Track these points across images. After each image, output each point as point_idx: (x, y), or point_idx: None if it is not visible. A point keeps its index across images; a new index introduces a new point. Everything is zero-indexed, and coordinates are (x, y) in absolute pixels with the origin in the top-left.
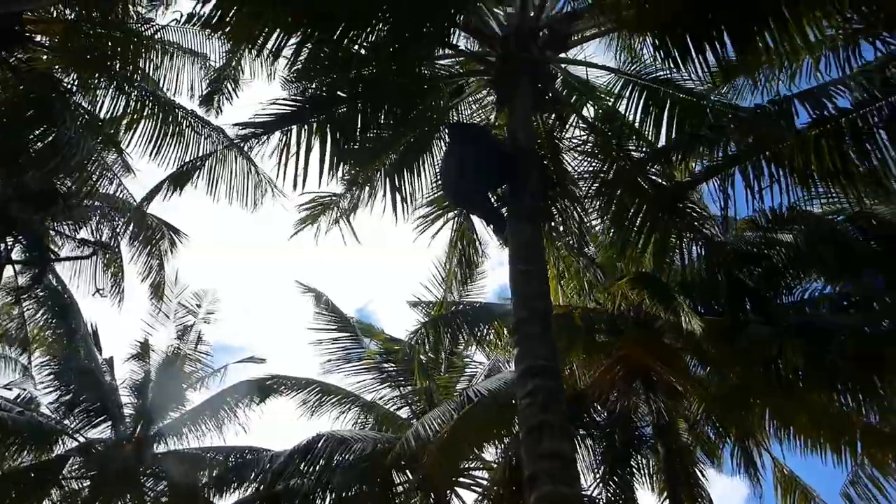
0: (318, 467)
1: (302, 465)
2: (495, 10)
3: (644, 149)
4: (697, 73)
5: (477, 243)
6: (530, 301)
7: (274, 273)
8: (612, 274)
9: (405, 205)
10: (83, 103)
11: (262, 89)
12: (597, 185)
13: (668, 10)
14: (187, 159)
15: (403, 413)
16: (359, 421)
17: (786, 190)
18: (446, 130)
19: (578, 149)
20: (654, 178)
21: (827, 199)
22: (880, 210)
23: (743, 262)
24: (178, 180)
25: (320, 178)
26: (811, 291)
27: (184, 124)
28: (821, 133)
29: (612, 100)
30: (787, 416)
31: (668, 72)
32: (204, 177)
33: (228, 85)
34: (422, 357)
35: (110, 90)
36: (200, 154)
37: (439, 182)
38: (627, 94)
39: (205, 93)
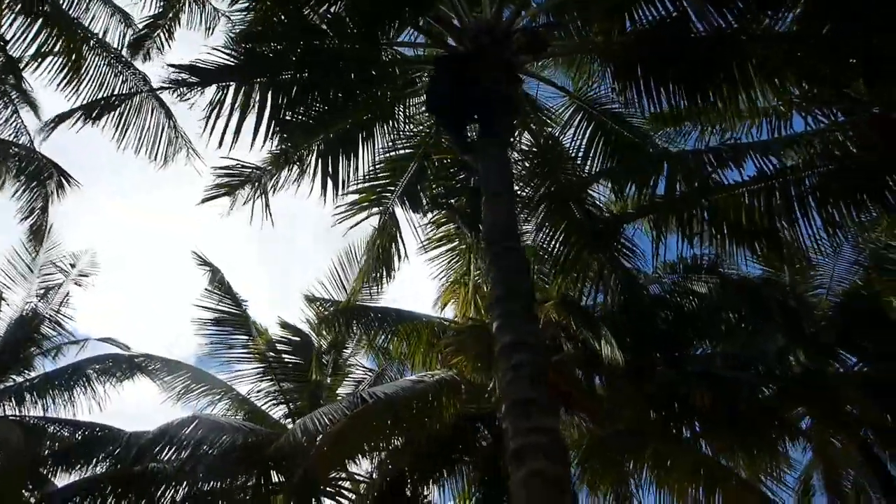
0: (186, 452)
1: (167, 448)
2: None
3: (581, 174)
4: (651, 109)
5: (400, 242)
6: (513, 276)
7: (164, 240)
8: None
9: (336, 190)
10: None
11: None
12: (532, 203)
13: (631, 48)
14: (99, 97)
15: (278, 413)
16: (227, 414)
17: (712, 241)
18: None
19: (522, 163)
20: (588, 207)
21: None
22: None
23: (658, 306)
24: (93, 110)
25: (252, 144)
26: (711, 347)
27: (101, 61)
28: (757, 190)
29: (559, 126)
30: (670, 462)
31: (620, 106)
32: (113, 120)
33: (161, 34)
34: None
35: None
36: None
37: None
38: (577, 121)
39: (135, 37)
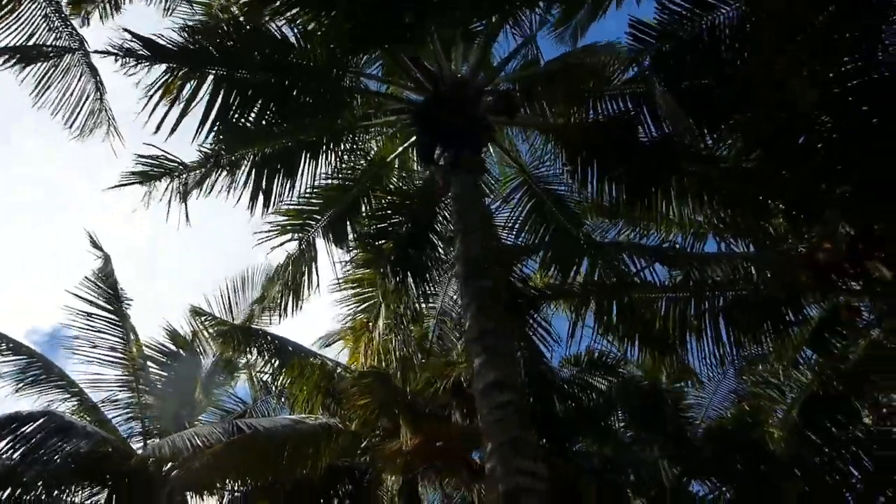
0: (24, 449)
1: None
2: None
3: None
4: (593, 196)
5: (314, 273)
6: (495, 313)
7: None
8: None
9: (265, 206)
10: None
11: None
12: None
13: (587, 134)
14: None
15: (127, 428)
16: (73, 418)
17: (622, 337)
18: None
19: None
20: (512, 279)
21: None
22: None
23: (557, 392)
24: (26, 54)
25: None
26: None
27: (37, 10)
28: (675, 298)
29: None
30: None
31: (565, 188)
32: (36, 75)
33: (107, 2)
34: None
35: None
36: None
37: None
38: (520, 194)
39: None
